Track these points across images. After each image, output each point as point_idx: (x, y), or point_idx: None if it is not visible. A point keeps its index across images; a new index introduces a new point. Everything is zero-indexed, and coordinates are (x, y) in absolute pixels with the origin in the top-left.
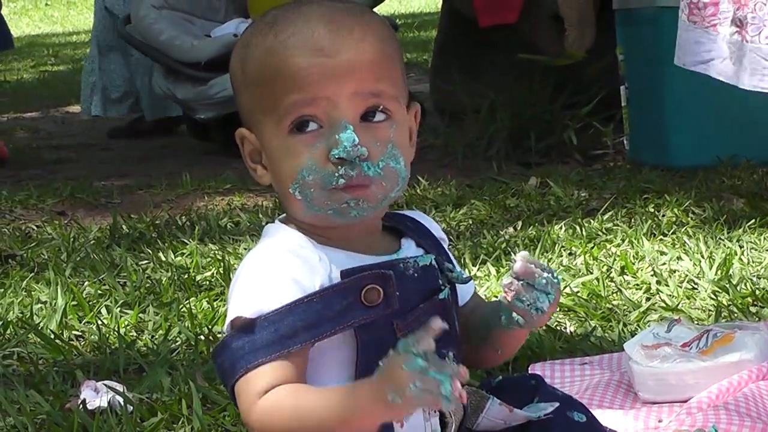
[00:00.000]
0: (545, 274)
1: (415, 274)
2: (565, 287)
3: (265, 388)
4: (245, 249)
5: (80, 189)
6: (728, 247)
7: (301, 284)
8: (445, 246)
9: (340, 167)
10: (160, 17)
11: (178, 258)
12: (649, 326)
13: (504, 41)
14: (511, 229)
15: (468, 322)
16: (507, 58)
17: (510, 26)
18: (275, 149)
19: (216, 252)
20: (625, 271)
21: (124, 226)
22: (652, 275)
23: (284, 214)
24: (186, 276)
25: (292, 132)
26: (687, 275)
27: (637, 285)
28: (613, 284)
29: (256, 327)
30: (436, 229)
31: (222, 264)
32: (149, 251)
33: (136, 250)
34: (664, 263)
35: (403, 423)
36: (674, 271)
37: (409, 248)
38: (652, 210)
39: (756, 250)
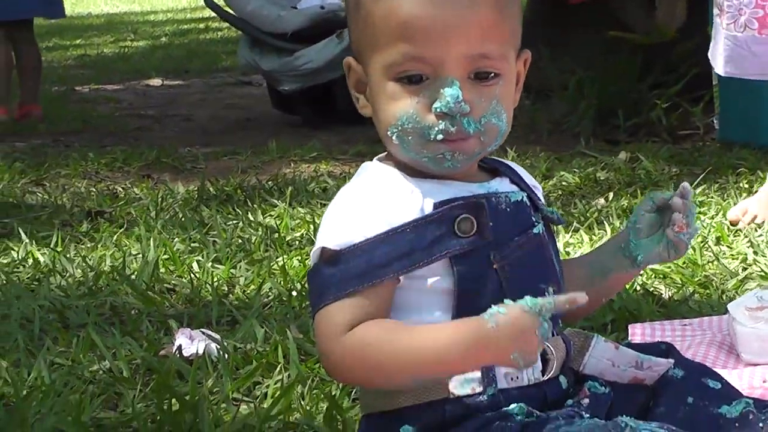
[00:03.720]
0: (695, 207)
1: (507, 209)
2: None
3: (352, 320)
4: None
5: (165, 154)
6: None
7: (389, 221)
8: (539, 193)
9: (440, 121)
10: None
11: (268, 219)
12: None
13: (592, 18)
14: (602, 200)
15: (573, 276)
16: (595, 35)
17: (599, 2)
18: (379, 90)
19: (305, 214)
20: (721, 241)
21: (211, 188)
22: (748, 246)
23: (383, 153)
24: (276, 236)
25: (399, 80)
26: None
27: (733, 255)
28: (709, 253)
29: (348, 256)
30: (530, 178)
31: (312, 225)
32: (238, 211)
33: (224, 211)
34: (761, 235)
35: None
36: None
37: (502, 183)
38: (746, 185)
39: None
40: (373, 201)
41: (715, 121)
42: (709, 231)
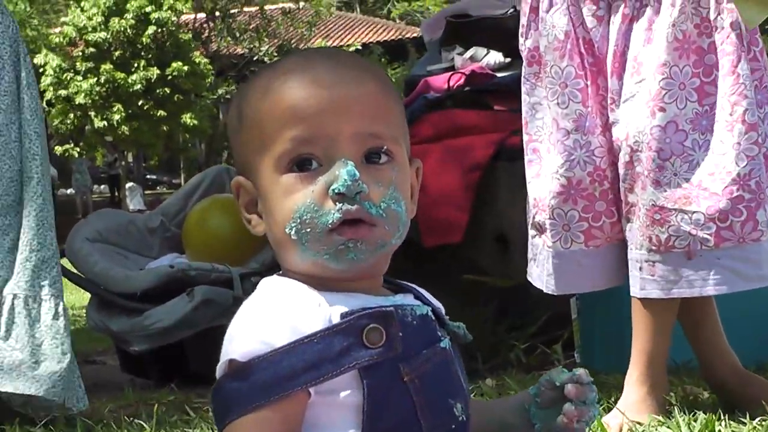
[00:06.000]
0: (594, 391)
1: (414, 322)
2: None
3: None
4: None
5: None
6: (704, 418)
7: (298, 329)
8: (443, 311)
9: (338, 203)
10: (94, 249)
11: None
12: None
13: (448, 262)
14: None
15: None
16: (451, 278)
17: (454, 246)
18: (272, 190)
19: None
20: None
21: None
22: None
23: (280, 271)
24: None
25: (291, 170)
26: None
27: None
28: None
29: (253, 368)
30: (432, 298)
31: None
32: None
33: None
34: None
35: None
36: None
37: (406, 298)
38: (615, 400)
39: (734, 421)
40: (279, 310)
41: (576, 356)
42: (590, 429)
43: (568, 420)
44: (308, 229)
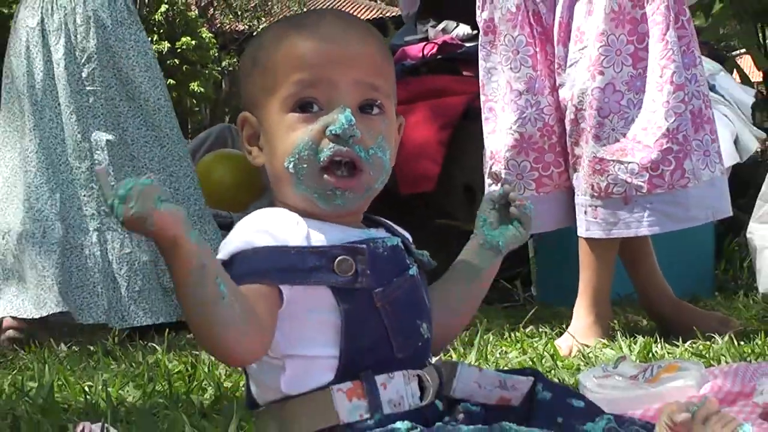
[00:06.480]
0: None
1: (385, 253)
2: (504, 365)
3: None
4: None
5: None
6: (643, 341)
7: (275, 235)
8: (410, 241)
9: (332, 143)
10: None
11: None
12: None
13: (424, 210)
14: None
15: (450, 293)
16: (427, 228)
17: (428, 195)
18: (276, 127)
19: (184, 355)
20: (555, 358)
21: (90, 347)
22: (581, 359)
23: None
24: (158, 368)
25: (294, 111)
26: (613, 358)
27: (566, 366)
28: (548, 364)
29: (234, 262)
30: (402, 230)
31: (191, 358)
32: (119, 355)
33: (105, 362)
34: (590, 351)
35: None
36: (598, 358)
37: (379, 231)
38: (566, 326)
39: (669, 344)
40: (259, 220)
41: (533, 290)
42: (544, 348)
43: (520, 202)
44: (304, 165)
